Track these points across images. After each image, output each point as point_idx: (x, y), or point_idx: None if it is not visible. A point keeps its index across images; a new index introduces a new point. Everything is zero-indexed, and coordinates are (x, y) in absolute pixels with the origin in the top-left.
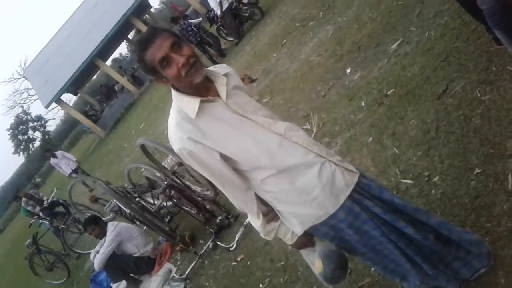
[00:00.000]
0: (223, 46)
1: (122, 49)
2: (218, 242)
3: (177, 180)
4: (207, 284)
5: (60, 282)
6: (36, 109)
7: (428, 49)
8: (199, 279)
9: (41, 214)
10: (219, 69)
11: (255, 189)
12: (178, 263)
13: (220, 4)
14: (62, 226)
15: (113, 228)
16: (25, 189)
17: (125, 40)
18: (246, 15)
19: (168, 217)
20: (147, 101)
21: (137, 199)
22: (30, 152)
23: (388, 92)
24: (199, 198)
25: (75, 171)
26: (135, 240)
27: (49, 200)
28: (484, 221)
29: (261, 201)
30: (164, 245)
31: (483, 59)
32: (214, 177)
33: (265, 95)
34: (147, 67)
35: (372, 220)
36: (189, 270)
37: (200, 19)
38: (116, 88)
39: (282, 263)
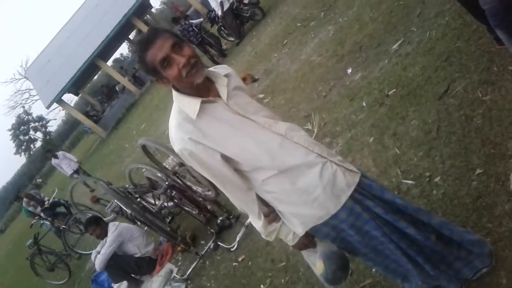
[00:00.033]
0: (224, 47)
1: (123, 50)
2: (219, 243)
3: (178, 181)
4: (208, 284)
5: (61, 282)
6: (37, 109)
7: (429, 49)
8: (200, 279)
9: (42, 214)
10: (219, 70)
11: (256, 190)
12: (179, 263)
13: (221, 4)
14: (63, 226)
15: (114, 228)
16: (26, 190)
17: (126, 41)
18: (247, 15)
19: (169, 218)
20: (148, 101)
21: (138, 199)
22: (31, 152)
23: (389, 92)
24: (200, 199)
25: (76, 171)
26: (136, 241)
27: (50, 201)
28: (486, 221)
29: (262, 201)
30: (165, 246)
31: (484, 59)
32: (215, 178)
33: (266, 95)
34: (148, 67)
35: (374, 220)
36: (190, 270)
37: (201, 19)
38: (117, 88)
39: (283, 264)
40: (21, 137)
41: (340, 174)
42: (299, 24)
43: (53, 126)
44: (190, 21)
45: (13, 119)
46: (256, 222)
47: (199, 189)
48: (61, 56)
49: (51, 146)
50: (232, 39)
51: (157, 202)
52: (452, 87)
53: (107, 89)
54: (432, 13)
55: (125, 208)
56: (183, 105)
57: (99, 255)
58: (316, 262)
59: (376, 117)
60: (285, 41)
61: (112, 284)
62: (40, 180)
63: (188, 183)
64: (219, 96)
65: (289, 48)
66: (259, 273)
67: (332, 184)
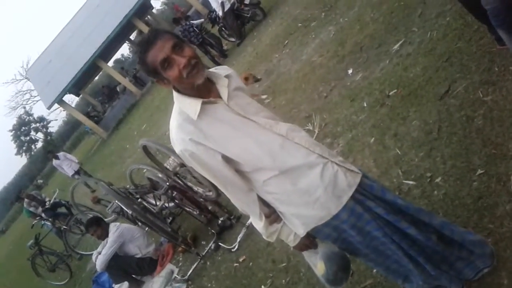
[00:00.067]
0: (225, 47)
1: (124, 50)
2: (220, 243)
3: (179, 181)
4: (209, 285)
5: (62, 283)
6: (39, 110)
7: (430, 49)
8: (201, 280)
9: (43, 215)
10: (220, 71)
11: (257, 191)
12: (180, 264)
13: (222, 5)
14: (64, 227)
15: (115, 229)
16: (28, 190)
17: (127, 41)
18: (248, 15)
19: (170, 218)
20: (149, 102)
21: (139, 200)
22: (32, 153)
23: (390, 93)
24: (201, 199)
25: (77, 172)
26: (137, 241)
27: (51, 201)
28: (487, 222)
29: (263, 202)
30: (166, 246)
31: (485, 60)
32: (216, 179)
33: (267, 95)
34: (148, 68)
35: (375, 220)
36: (191, 271)
37: (202, 20)
38: (118, 89)
39: (284, 264)
40: (22, 137)
41: (341, 174)
42: (300, 24)
43: (54, 127)
44: (191, 21)
45: (14, 120)
46: (257, 223)
47: (200, 190)
48: (62, 56)
49: (52, 146)
50: (233, 39)
51: (158, 203)
52: (453, 88)
53: (108, 89)
54: (433, 14)
55: (126, 209)
56: (183, 106)
57: (100, 255)
58: (317, 263)
59: (377, 118)
60: (286, 42)
61: (113, 285)
62: (41, 181)
63: (189, 184)
64: (220, 97)
65: (290, 49)
66: (260, 274)
67: (333, 184)
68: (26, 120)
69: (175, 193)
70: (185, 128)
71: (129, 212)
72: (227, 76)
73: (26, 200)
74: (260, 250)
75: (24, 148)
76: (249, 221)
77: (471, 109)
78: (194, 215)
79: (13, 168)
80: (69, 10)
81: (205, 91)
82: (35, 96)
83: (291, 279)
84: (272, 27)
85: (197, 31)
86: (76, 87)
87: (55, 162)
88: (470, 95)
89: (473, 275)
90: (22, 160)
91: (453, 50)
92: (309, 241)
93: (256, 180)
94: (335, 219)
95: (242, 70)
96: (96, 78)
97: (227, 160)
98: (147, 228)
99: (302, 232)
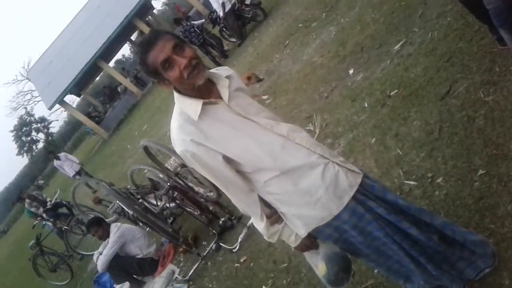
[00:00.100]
0: (225, 47)
1: (125, 51)
2: (221, 244)
3: (180, 182)
4: (210, 285)
5: (63, 283)
6: (40, 110)
7: (431, 50)
8: (202, 280)
9: (44, 215)
10: (221, 71)
11: (258, 191)
12: (181, 264)
13: (223, 5)
14: (66, 227)
15: (116, 229)
16: (29, 191)
17: (128, 42)
18: (249, 16)
19: (171, 219)
20: (150, 102)
21: (140, 200)
22: (33, 153)
23: (391, 93)
24: (202, 200)
25: (78, 173)
26: (138, 242)
27: (52, 202)
28: (488, 222)
29: (264, 203)
30: (167, 247)
31: (486, 60)
32: (217, 179)
33: (268, 96)
34: (149, 69)
35: (376, 221)
36: (192, 271)
37: (203, 20)
38: (119, 89)
39: (285, 265)
40: (23, 138)
41: (342, 174)
42: (300, 25)
43: (55, 127)
44: (192, 22)
45: (15, 120)
46: (259, 223)
47: (201, 190)
48: (63, 57)
49: (53, 147)
50: (233, 40)
51: (159, 203)
52: (454, 88)
53: (109, 90)
54: (434, 14)
55: (127, 209)
56: (184, 107)
57: (101, 256)
58: (319, 264)
59: (378, 118)
60: (287, 42)
61: (114, 285)
62: (42, 181)
63: (190, 184)
64: (221, 98)
65: (291, 49)
66: (261, 274)
67: (335, 185)
68: (27, 120)
69: (176, 193)
70: (186, 128)
71: (130, 212)
72: (227, 77)
73: (27, 200)
74: (261, 251)
75: (25, 148)
76: (250, 222)
77: (472, 109)
78: (195, 216)
79: (15, 169)
80: (70, 11)
81: (206, 91)
82: (36, 97)
83: (292, 280)
84: (273, 27)
85: (198, 31)
86: (77, 87)
87: (56, 162)
88: (471, 95)
89: (474, 275)
90: (24, 160)
91: (454, 50)
92: (310, 241)
93: (257, 180)
94: (336, 219)
95: (243, 71)
96: (97, 78)
97: (228, 160)
98: (148, 229)
99: (303, 233)
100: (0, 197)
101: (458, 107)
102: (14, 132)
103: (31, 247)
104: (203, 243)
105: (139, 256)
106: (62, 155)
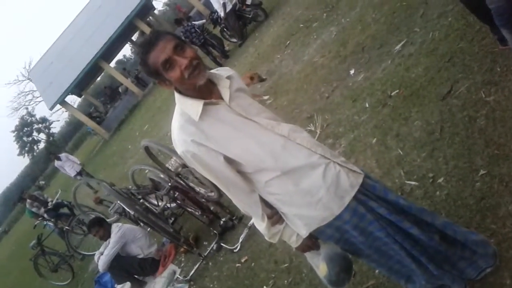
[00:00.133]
0: (226, 48)
1: (126, 51)
2: (222, 244)
3: (181, 182)
4: (211, 285)
5: (64, 283)
6: (41, 111)
7: (432, 50)
8: (203, 280)
9: (45, 215)
10: (222, 72)
11: (259, 192)
12: (182, 264)
13: (224, 5)
14: (67, 227)
15: (117, 229)
16: (30, 191)
17: (129, 42)
18: (250, 16)
19: (172, 219)
20: (151, 102)
21: (141, 200)
22: (34, 153)
23: (392, 93)
24: (203, 200)
25: (79, 173)
26: (139, 242)
27: (53, 202)
28: (489, 222)
29: (265, 203)
30: (168, 247)
31: (487, 60)
32: (218, 180)
33: (269, 96)
34: (150, 70)
35: (377, 221)
36: (193, 271)
37: (204, 20)
38: (120, 89)
39: (286, 265)
40: (25, 138)
41: (343, 175)
42: (301, 25)
43: (56, 128)
44: (193, 22)
45: (16, 121)
46: (260, 224)
47: (202, 190)
48: (64, 57)
49: (54, 147)
50: (234, 40)
51: (160, 203)
52: (455, 88)
53: (110, 90)
54: (435, 14)
55: (128, 209)
56: (185, 107)
57: (102, 256)
58: (320, 264)
59: (379, 118)
60: (288, 42)
61: (115, 285)
62: (43, 182)
63: (191, 184)
64: (222, 98)
65: (292, 49)
66: (262, 274)
67: (336, 185)
68: (29, 121)
69: (177, 193)
70: (187, 129)
71: (131, 212)
72: (228, 77)
73: (28, 200)
74: (262, 251)
75: (26, 148)
76: (251, 222)
77: (473, 110)
78: (196, 216)
79: (16, 169)
80: (71, 11)
81: (207, 92)
82: (37, 97)
83: (293, 280)
84: (273, 27)
85: (199, 31)
86: (78, 88)
87: (57, 163)
88: (472, 96)
89: (475, 275)
90: (25, 160)
91: (455, 51)
92: (312, 242)
93: (258, 181)
94: (337, 219)
95: (244, 71)
96: (98, 79)
97: (229, 161)
98: (149, 229)
99: (304, 233)
100: (2, 197)
101: (459, 107)
102: (15, 132)
103: (32, 247)
104: (204, 243)
105: (140, 256)
106: (63, 155)
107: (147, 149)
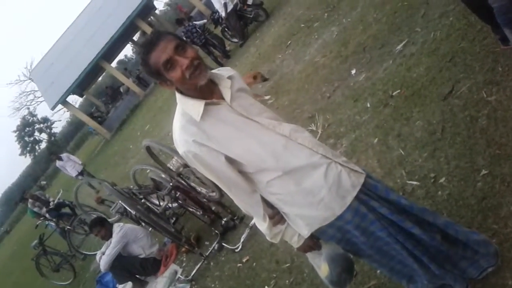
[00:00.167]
0: (227, 48)
1: (127, 51)
2: (223, 244)
3: (183, 182)
4: (213, 285)
5: (66, 283)
6: (42, 110)
7: (434, 49)
8: (204, 280)
9: (47, 215)
10: (223, 72)
11: (261, 192)
12: (184, 264)
13: (225, 5)
14: (68, 227)
15: (119, 229)
16: (31, 191)
17: (130, 42)
18: (251, 16)
19: (174, 219)
20: (152, 102)
21: (143, 200)
22: (36, 153)
23: (394, 93)
24: (205, 200)
25: (81, 173)
26: (141, 242)
27: (55, 202)
28: (491, 222)
29: (267, 203)
30: (170, 247)
31: (489, 60)
32: (220, 180)
33: (270, 96)
34: (151, 70)
35: (379, 221)
36: (194, 271)
37: (205, 20)
38: (121, 89)
39: (287, 265)
40: (26, 138)
41: (345, 174)
42: (302, 25)
43: (57, 128)
44: (194, 22)
45: (18, 121)
46: (261, 224)
47: (203, 190)
48: (65, 57)
49: (56, 147)
50: (235, 40)
51: (161, 203)
52: (457, 88)
53: (112, 90)
54: (436, 14)
55: (129, 209)
56: (186, 108)
57: (104, 256)
58: (321, 265)
59: (381, 118)
60: (289, 42)
61: (117, 285)
62: (45, 182)
63: (192, 184)
64: (223, 98)
65: (293, 49)
66: (263, 274)
67: (337, 185)
68: (30, 121)
69: (178, 193)
70: (188, 129)
71: (133, 212)
72: (229, 77)
73: (30, 200)
74: (263, 251)
75: (28, 148)
76: (252, 222)
77: (475, 109)
78: (198, 216)
79: (17, 169)
80: (73, 11)
81: (208, 92)
82: (39, 97)
83: (295, 280)
84: (275, 27)
85: (200, 32)
86: (79, 88)
87: (58, 163)
88: (473, 95)
89: (477, 274)
90: (26, 160)
91: (457, 50)
92: (313, 242)
93: (259, 181)
94: (339, 219)
95: (245, 71)
96: (100, 79)
97: (230, 161)
98: (150, 229)
99: (306, 233)
100: (3, 197)
101: (461, 107)
102: (17, 132)
103: (34, 247)
104: (206, 243)
105: (141, 256)
106: (64, 155)
107: (148, 149)
